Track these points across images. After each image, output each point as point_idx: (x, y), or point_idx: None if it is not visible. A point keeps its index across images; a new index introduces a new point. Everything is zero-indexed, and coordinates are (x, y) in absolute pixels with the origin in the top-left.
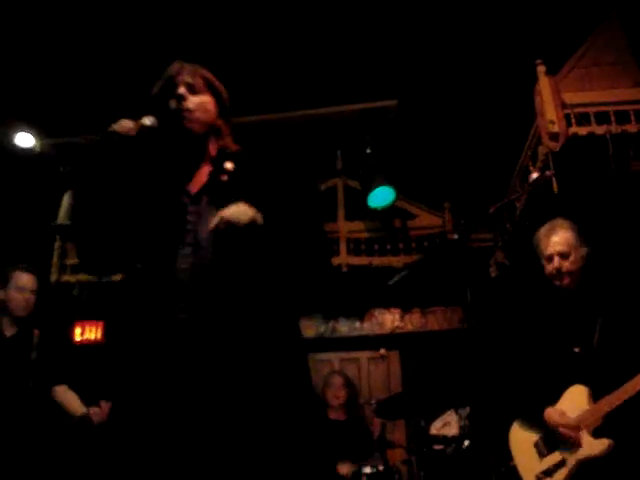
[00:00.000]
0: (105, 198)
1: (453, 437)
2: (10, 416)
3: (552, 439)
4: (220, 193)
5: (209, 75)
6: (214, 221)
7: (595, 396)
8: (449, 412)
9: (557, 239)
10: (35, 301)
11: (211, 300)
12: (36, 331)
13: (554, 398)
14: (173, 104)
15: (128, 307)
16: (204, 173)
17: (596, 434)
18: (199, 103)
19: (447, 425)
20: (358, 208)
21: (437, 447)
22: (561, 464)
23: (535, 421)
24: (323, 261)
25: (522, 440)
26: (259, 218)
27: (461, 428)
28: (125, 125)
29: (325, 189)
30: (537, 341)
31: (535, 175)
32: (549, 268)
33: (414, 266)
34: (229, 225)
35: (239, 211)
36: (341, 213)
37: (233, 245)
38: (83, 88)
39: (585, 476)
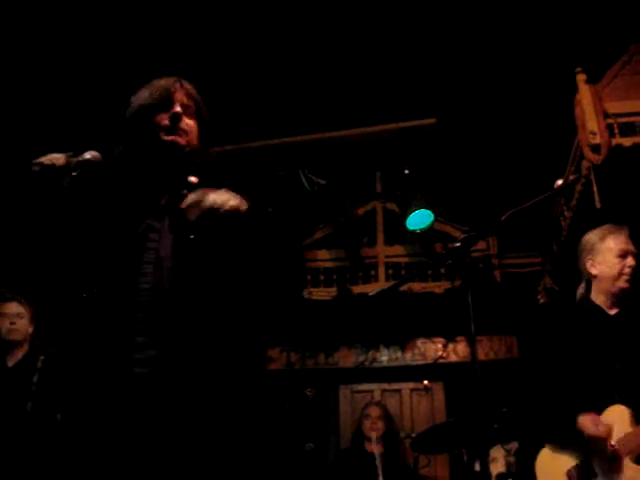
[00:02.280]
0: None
1: (500, 474)
2: (5, 441)
3: (588, 467)
4: (181, 210)
5: (199, 99)
6: (185, 204)
7: (638, 418)
8: (496, 447)
9: (628, 239)
10: (27, 326)
11: (171, 323)
12: (41, 357)
13: None
14: (165, 121)
15: (84, 332)
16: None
17: None
18: (191, 126)
19: (494, 461)
20: (398, 232)
21: None
22: None
23: (571, 442)
24: (291, 289)
25: (552, 468)
26: (243, 206)
27: (508, 465)
28: (50, 158)
29: (364, 213)
30: (577, 358)
31: (559, 182)
32: (621, 266)
33: (401, 280)
34: (206, 211)
35: (219, 197)
36: (380, 237)
37: (211, 236)
38: (109, 110)
39: None
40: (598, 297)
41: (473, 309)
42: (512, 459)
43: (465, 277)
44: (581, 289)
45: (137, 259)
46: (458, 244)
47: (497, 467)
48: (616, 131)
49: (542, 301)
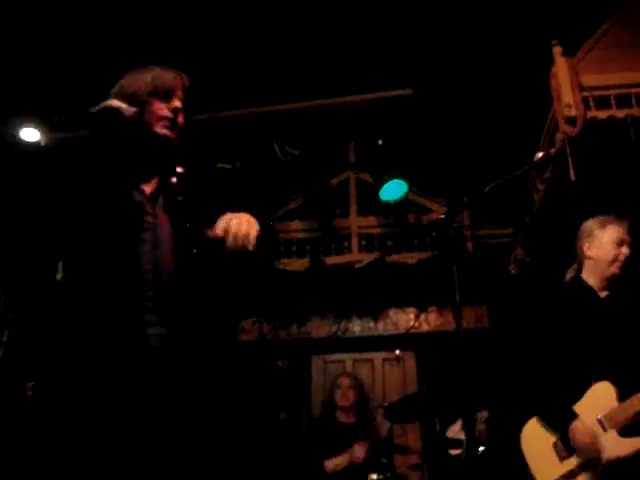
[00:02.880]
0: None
1: None
2: None
3: None
4: (172, 194)
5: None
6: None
7: (622, 394)
8: None
9: (627, 231)
10: None
11: (175, 302)
12: (6, 331)
13: (578, 394)
14: (163, 111)
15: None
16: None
17: (625, 433)
18: (181, 122)
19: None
20: (371, 203)
21: (454, 452)
22: (586, 465)
23: (556, 419)
24: (268, 263)
25: (538, 441)
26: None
27: (479, 433)
28: (124, 106)
29: (337, 183)
30: (561, 336)
31: (540, 155)
32: (616, 252)
33: (387, 250)
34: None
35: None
36: (353, 208)
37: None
38: (87, 81)
39: (614, 478)
40: (590, 278)
41: (446, 279)
42: (482, 427)
43: (449, 248)
44: (572, 271)
45: (135, 237)
46: (443, 216)
47: None
48: (591, 104)
49: (514, 272)
